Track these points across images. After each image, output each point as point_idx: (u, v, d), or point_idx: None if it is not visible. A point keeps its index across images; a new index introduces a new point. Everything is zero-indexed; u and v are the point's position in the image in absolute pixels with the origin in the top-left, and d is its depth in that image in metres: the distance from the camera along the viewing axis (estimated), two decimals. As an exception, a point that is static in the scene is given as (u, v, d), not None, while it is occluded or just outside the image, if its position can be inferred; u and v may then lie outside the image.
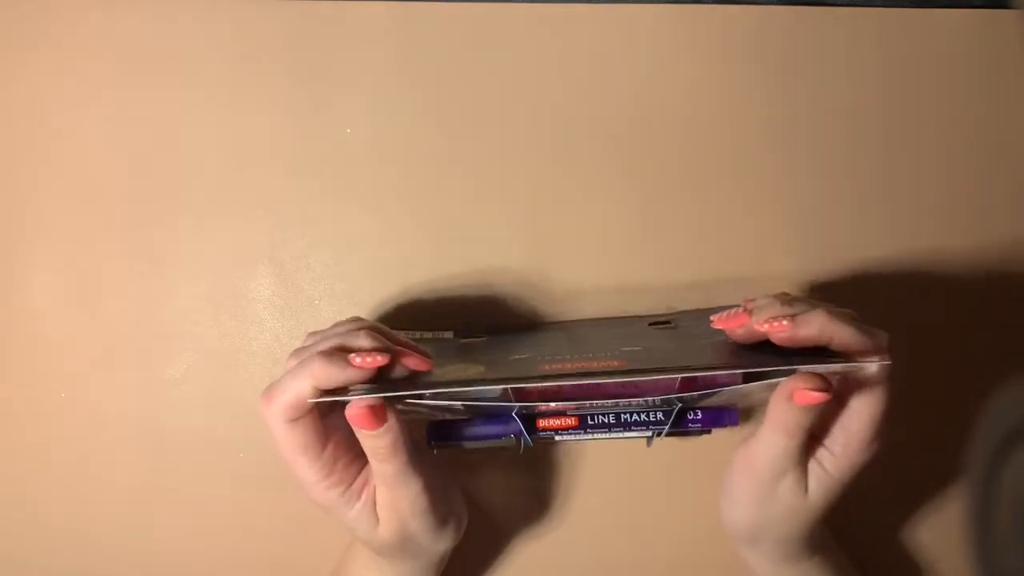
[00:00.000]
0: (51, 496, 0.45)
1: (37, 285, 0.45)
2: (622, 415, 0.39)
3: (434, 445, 0.40)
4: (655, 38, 0.46)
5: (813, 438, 0.36)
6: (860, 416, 0.35)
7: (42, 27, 0.46)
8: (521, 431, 0.38)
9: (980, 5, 0.47)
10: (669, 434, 0.39)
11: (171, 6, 0.46)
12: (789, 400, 0.33)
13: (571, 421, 0.39)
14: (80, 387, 0.45)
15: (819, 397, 0.32)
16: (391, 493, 0.36)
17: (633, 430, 0.39)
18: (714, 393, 0.36)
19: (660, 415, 0.38)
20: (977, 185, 0.47)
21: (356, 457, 0.36)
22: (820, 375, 0.33)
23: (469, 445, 0.40)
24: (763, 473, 0.36)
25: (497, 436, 0.39)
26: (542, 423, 0.39)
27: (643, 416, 0.39)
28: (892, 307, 0.47)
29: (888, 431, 0.35)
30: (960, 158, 0.47)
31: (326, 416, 0.36)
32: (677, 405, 0.38)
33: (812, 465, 0.36)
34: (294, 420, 0.34)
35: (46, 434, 0.45)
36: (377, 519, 0.36)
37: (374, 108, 0.46)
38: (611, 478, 0.46)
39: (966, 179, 0.47)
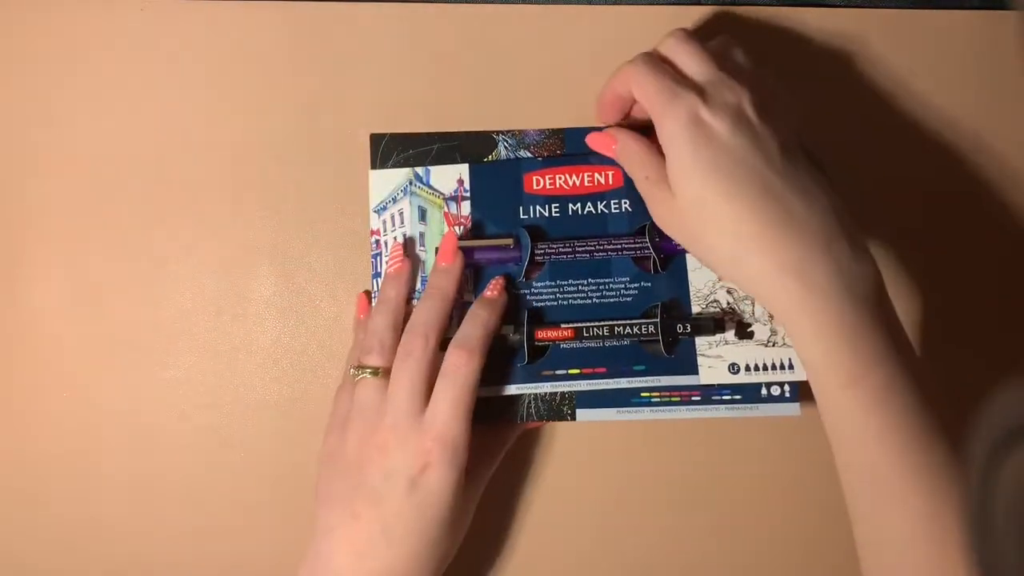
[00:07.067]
0: (52, 495, 0.45)
1: (39, 285, 0.45)
2: (607, 244, 0.43)
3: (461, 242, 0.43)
4: (655, 38, 0.46)
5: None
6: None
7: (43, 27, 0.46)
8: (525, 237, 0.42)
9: (980, 5, 0.47)
10: (664, 259, 0.43)
11: (172, 7, 0.46)
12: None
13: (566, 248, 0.43)
14: (81, 387, 0.45)
15: (590, 141, 0.43)
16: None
17: (623, 243, 0.43)
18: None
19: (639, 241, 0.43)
20: (977, 185, 0.47)
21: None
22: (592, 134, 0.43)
23: (474, 248, 0.43)
24: (650, 210, 0.41)
25: (506, 234, 0.43)
26: (541, 244, 0.43)
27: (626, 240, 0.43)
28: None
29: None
30: (960, 158, 0.47)
31: None
32: (648, 222, 0.42)
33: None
34: None
35: (47, 433, 0.45)
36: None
37: (375, 108, 0.46)
38: (607, 466, 0.46)
39: (966, 179, 0.47)
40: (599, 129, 0.43)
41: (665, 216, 0.40)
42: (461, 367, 0.39)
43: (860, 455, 0.37)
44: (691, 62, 0.39)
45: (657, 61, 0.40)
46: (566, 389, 0.42)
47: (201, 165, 0.46)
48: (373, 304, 0.43)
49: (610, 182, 0.44)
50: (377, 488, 0.38)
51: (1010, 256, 0.47)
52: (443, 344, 0.40)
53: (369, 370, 0.40)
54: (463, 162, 0.44)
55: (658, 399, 0.43)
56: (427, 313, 0.40)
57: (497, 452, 0.43)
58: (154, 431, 0.45)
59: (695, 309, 0.43)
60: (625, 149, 0.41)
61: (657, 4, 0.47)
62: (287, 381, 0.46)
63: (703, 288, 0.43)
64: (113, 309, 0.45)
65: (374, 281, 0.43)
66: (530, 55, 0.47)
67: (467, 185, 0.44)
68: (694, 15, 0.47)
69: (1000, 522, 0.23)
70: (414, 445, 0.38)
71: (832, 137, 0.46)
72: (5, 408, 0.45)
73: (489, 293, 0.42)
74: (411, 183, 0.44)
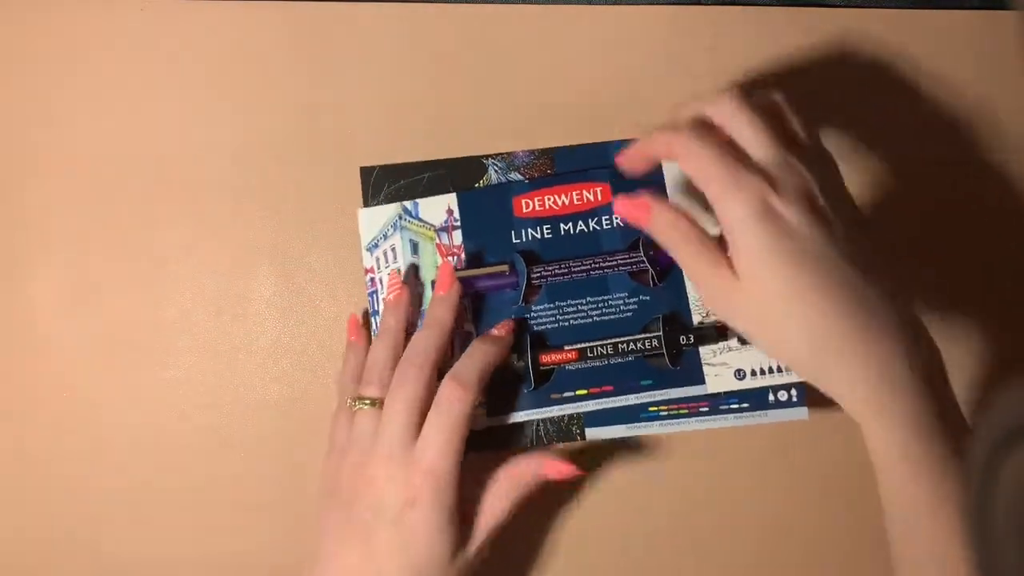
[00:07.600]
0: (52, 496, 0.45)
1: (38, 285, 0.45)
2: (602, 261, 0.43)
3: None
4: (655, 38, 0.46)
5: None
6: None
7: (43, 27, 0.46)
8: (520, 262, 0.43)
9: (980, 5, 0.47)
10: (661, 272, 0.42)
11: (172, 6, 0.46)
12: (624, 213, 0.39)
13: (562, 269, 0.43)
14: (81, 387, 0.45)
15: (618, 208, 0.38)
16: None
17: (618, 259, 0.43)
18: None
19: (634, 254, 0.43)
20: (977, 185, 0.47)
21: None
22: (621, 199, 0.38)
23: (470, 278, 0.43)
24: (702, 291, 0.38)
25: (500, 262, 0.43)
26: (536, 267, 0.43)
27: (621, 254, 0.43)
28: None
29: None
30: (960, 158, 0.47)
31: None
32: (640, 235, 0.42)
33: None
34: None
35: (47, 433, 0.45)
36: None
37: (375, 108, 0.46)
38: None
39: (966, 179, 0.47)
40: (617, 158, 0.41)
41: (725, 301, 0.37)
42: (454, 402, 0.38)
43: (921, 537, 0.36)
44: (752, 139, 0.36)
45: (712, 136, 0.36)
46: (575, 411, 0.42)
47: (201, 165, 0.46)
48: (373, 337, 0.43)
49: (599, 198, 0.43)
50: (367, 521, 0.38)
51: (1010, 256, 0.47)
52: (442, 375, 0.40)
53: (367, 401, 0.40)
54: (455, 190, 0.44)
55: (666, 412, 0.43)
56: (423, 342, 0.40)
57: (509, 503, 0.41)
58: (154, 431, 0.45)
59: (695, 319, 0.43)
60: (668, 225, 0.37)
61: (657, 4, 0.47)
62: (287, 381, 0.46)
63: None
64: (113, 309, 0.45)
65: (373, 319, 0.44)
66: (530, 55, 0.47)
67: (457, 214, 0.44)
68: (694, 15, 0.47)
69: (1000, 522, 0.23)
70: (403, 478, 0.38)
71: (831, 137, 0.46)
72: (5, 408, 0.45)
73: (496, 331, 0.42)
74: (400, 217, 0.44)
